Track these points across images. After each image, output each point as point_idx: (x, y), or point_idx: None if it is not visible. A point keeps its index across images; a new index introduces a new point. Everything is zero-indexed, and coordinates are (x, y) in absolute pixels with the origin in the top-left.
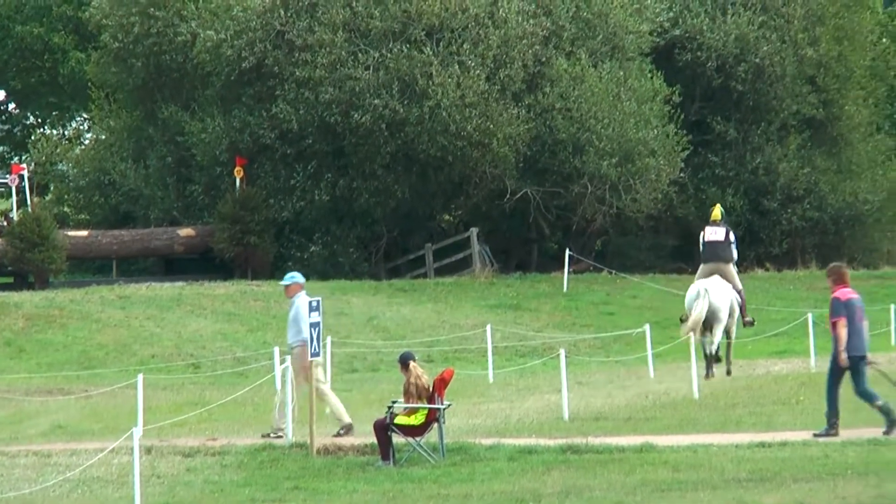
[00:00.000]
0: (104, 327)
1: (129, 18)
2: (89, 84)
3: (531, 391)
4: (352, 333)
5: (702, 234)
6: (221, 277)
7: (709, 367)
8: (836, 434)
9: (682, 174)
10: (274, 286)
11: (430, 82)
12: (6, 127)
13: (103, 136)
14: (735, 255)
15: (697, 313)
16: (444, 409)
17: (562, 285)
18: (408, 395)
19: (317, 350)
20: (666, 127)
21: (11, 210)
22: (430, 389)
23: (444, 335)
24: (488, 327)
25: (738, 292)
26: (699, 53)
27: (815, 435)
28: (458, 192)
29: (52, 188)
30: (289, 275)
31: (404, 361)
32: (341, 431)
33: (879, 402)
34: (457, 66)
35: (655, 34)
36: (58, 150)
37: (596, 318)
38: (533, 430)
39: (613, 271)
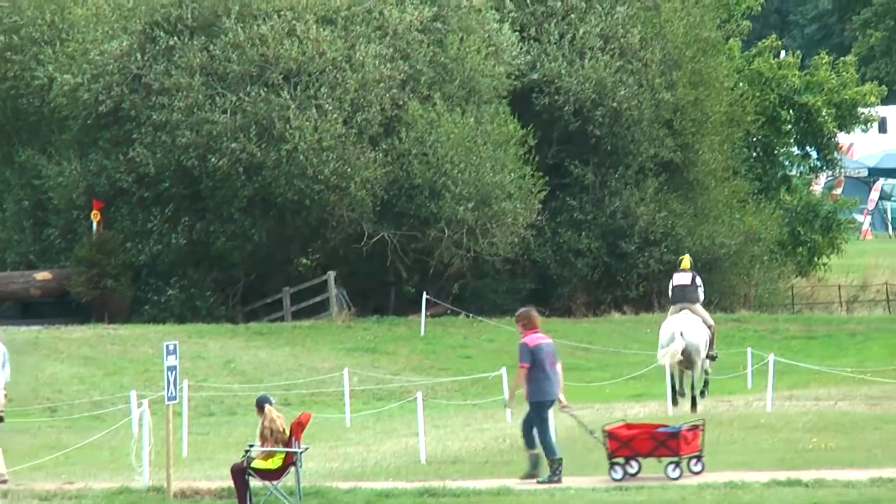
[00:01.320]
0: None
1: None
2: None
3: (388, 434)
4: (209, 377)
5: (671, 280)
6: (79, 321)
7: (675, 398)
8: (558, 481)
9: (539, 217)
10: (132, 330)
11: (288, 126)
12: None
13: None
14: (701, 297)
15: (673, 351)
16: (301, 453)
17: (419, 329)
18: (263, 438)
19: (173, 394)
20: (522, 170)
21: None
22: (287, 433)
23: (301, 378)
24: (345, 371)
25: (709, 327)
26: (557, 97)
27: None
28: (315, 235)
29: None
30: None
31: (260, 405)
32: None
33: (535, 451)
34: (314, 110)
35: (513, 77)
36: None
37: (453, 362)
38: (390, 474)
39: (471, 315)
